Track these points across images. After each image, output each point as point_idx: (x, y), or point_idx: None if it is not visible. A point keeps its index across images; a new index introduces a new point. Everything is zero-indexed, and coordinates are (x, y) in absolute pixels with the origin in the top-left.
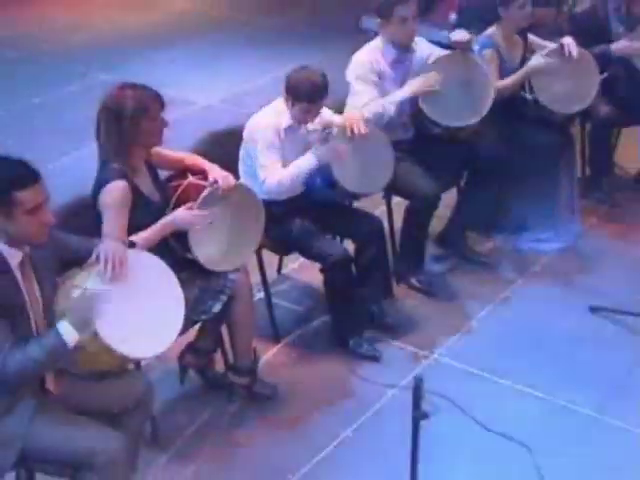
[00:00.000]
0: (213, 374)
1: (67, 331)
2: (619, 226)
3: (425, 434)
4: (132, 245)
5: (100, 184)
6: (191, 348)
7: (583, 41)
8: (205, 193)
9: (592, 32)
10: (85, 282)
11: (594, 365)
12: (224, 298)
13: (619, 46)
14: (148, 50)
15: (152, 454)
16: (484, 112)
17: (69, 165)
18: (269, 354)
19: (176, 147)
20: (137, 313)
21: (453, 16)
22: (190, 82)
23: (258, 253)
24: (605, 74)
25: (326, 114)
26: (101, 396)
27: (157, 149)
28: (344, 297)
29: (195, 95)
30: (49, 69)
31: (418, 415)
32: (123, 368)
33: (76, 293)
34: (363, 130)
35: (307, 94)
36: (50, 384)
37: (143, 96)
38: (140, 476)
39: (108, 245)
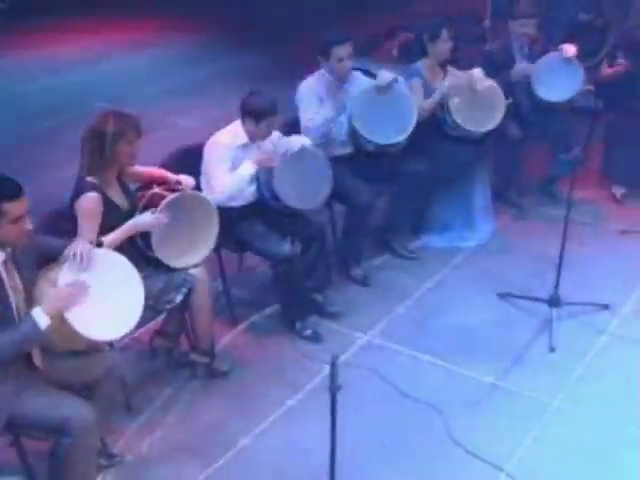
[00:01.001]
0: (179, 354)
1: (40, 317)
2: (524, 225)
3: (354, 400)
4: (100, 245)
5: (76, 194)
6: (160, 332)
7: (494, 72)
8: (166, 200)
9: (501, 65)
10: (57, 274)
11: (498, 341)
12: (185, 290)
13: (516, 69)
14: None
15: (126, 420)
16: (409, 131)
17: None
18: (228, 337)
19: (157, 158)
20: (101, 302)
21: (395, 52)
22: (175, 108)
23: (218, 252)
24: (510, 99)
25: (275, 135)
26: (77, 371)
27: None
28: (290, 288)
29: (177, 118)
30: (55, 98)
31: (334, 387)
32: (95, 347)
33: (49, 285)
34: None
35: (269, 110)
36: (37, 361)
37: (123, 123)
38: (114, 438)
39: (77, 244)
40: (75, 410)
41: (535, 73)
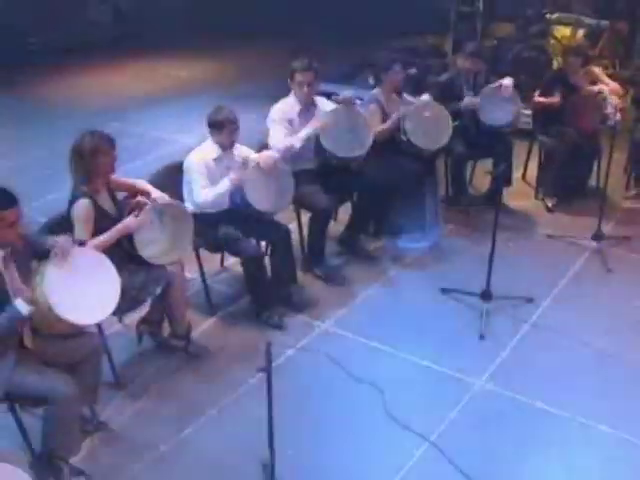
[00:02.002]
0: (161, 338)
1: (21, 306)
2: (470, 230)
3: (307, 380)
4: (83, 244)
5: (71, 202)
6: (145, 319)
7: (444, 100)
8: (147, 207)
9: (450, 94)
10: (45, 268)
11: (436, 330)
12: (163, 284)
13: (465, 102)
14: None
15: (112, 392)
16: (366, 148)
17: None
18: (205, 324)
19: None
20: (81, 292)
21: (371, 80)
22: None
23: (197, 250)
24: (456, 122)
25: (245, 150)
26: (64, 351)
27: (116, 177)
28: (257, 283)
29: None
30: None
31: (269, 368)
32: (79, 332)
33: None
34: (270, 166)
35: (227, 119)
36: (28, 342)
37: (97, 140)
38: (102, 407)
39: (59, 242)
40: (58, 384)
41: (479, 103)
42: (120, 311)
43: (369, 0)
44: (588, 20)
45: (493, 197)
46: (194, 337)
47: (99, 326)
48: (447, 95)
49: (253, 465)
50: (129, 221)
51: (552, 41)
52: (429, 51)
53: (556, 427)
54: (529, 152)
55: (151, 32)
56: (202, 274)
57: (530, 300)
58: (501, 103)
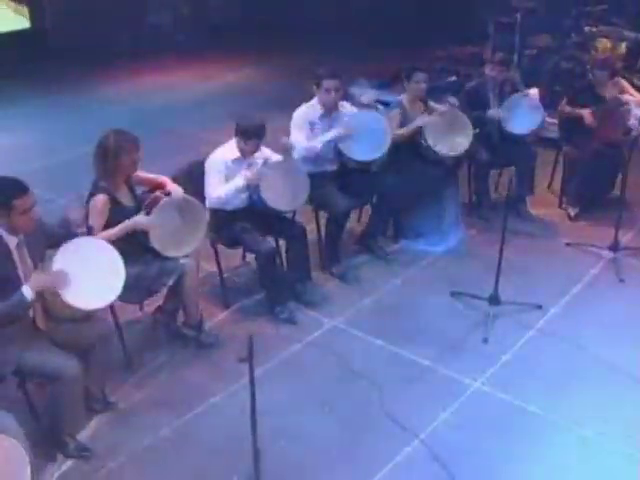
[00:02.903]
0: (175, 327)
1: (27, 292)
2: (489, 237)
3: (310, 373)
4: (91, 232)
5: (90, 195)
6: (161, 308)
7: (470, 107)
8: (161, 203)
9: (476, 102)
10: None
11: (442, 332)
12: (175, 276)
13: (489, 113)
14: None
15: (124, 376)
16: (383, 151)
17: None
18: (220, 316)
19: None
20: (86, 279)
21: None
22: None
23: (214, 246)
24: (477, 130)
25: (267, 152)
26: (74, 334)
27: (137, 172)
28: (270, 278)
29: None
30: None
31: (250, 360)
32: (88, 315)
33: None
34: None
35: (255, 132)
36: (40, 324)
37: (122, 140)
38: (114, 389)
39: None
40: (65, 363)
41: (503, 111)
42: (134, 299)
43: (414, 11)
44: (628, 33)
45: (515, 205)
46: (207, 327)
47: (113, 313)
48: (473, 102)
49: (247, 452)
50: (139, 219)
51: (593, 53)
52: (470, 60)
53: (545, 431)
54: (555, 161)
55: (208, 36)
56: (219, 268)
57: (539, 307)
58: (525, 112)
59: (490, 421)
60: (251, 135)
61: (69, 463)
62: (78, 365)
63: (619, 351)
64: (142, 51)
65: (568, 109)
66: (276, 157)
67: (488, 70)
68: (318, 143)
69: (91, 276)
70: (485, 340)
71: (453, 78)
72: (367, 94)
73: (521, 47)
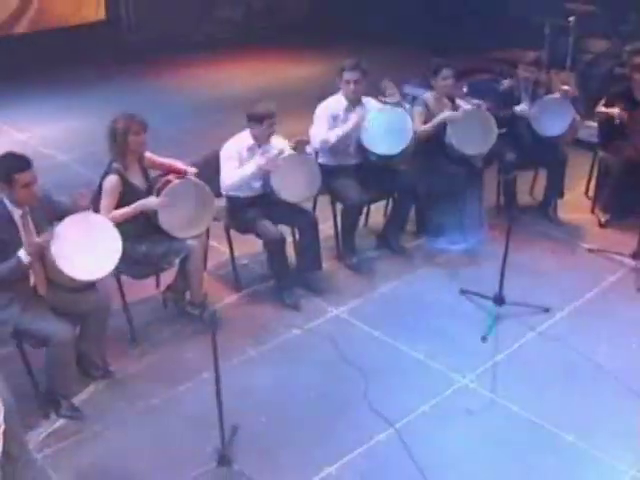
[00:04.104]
0: (183, 305)
1: (23, 255)
2: (513, 239)
3: (303, 358)
4: (95, 210)
5: (103, 176)
6: (170, 287)
7: (500, 107)
8: (170, 186)
9: (507, 102)
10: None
11: (443, 328)
12: (182, 256)
13: (518, 108)
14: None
15: (127, 347)
16: (404, 146)
17: None
18: (229, 299)
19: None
20: (87, 251)
21: (465, 88)
22: None
23: (227, 231)
24: (503, 130)
25: (281, 142)
26: (71, 302)
27: (151, 156)
28: (278, 265)
29: None
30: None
31: (213, 335)
32: (85, 286)
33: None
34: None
35: (267, 113)
36: (41, 290)
37: (129, 121)
38: (115, 359)
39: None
40: (56, 328)
41: (533, 112)
42: (142, 275)
43: (471, 13)
44: None
45: (544, 209)
46: (215, 309)
47: (120, 288)
48: (503, 103)
49: (225, 425)
50: (149, 200)
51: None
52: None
53: (522, 432)
54: (592, 166)
55: (276, 31)
56: (231, 252)
57: (546, 310)
58: (557, 114)
59: (468, 418)
60: (262, 117)
61: (60, 422)
62: (70, 331)
63: (620, 362)
64: (208, 44)
65: (602, 109)
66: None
67: (521, 71)
68: (333, 137)
69: (87, 249)
70: (484, 339)
71: (507, 82)
72: (416, 92)
73: (576, 51)
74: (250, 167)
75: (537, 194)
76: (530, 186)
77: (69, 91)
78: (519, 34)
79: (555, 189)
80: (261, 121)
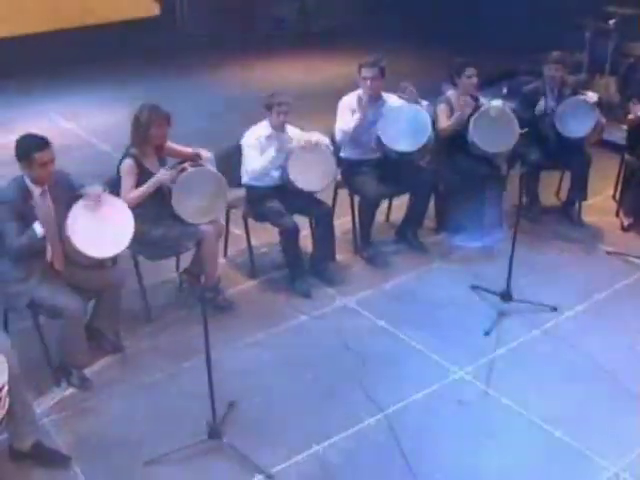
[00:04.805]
0: (197, 288)
1: (37, 228)
2: (532, 239)
3: (307, 344)
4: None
5: (121, 160)
6: (187, 270)
7: (527, 107)
8: (184, 173)
9: (532, 103)
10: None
11: (447, 321)
12: (195, 240)
13: (537, 108)
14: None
15: (141, 325)
16: (422, 143)
17: None
18: (244, 285)
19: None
20: (98, 230)
21: (505, 90)
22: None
23: (245, 219)
24: (525, 129)
25: (295, 132)
26: (86, 279)
27: (169, 144)
28: (291, 253)
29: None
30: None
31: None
32: (101, 264)
33: None
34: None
35: (277, 101)
36: (58, 265)
37: (154, 114)
38: (127, 334)
39: (90, 188)
40: (68, 302)
41: (558, 113)
42: (157, 257)
43: (515, 16)
44: None
45: (567, 210)
46: (229, 293)
47: (137, 269)
48: (528, 103)
49: (223, 401)
50: (162, 174)
51: None
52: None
53: (510, 423)
54: (619, 169)
55: (329, 30)
56: (248, 240)
57: (554, 309)
58: (581, 115)
59: (458, 409)
60: (270, 105)
61: (70, 390)
62: (80, 305)
63: (621, 364)
64: (260, 42)
65: (631, 115)
66: (305, 135)
67: (546, 70)
68: (346, 127)
69: (101, 228)
70: (487, 333)
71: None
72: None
73: (616, 55)
74: (270, 152)
75: (563, 195)
76: (556, 187)
77: (118, 83)
78: (561, 37)
79: (578, 191)
80: (270, 108)
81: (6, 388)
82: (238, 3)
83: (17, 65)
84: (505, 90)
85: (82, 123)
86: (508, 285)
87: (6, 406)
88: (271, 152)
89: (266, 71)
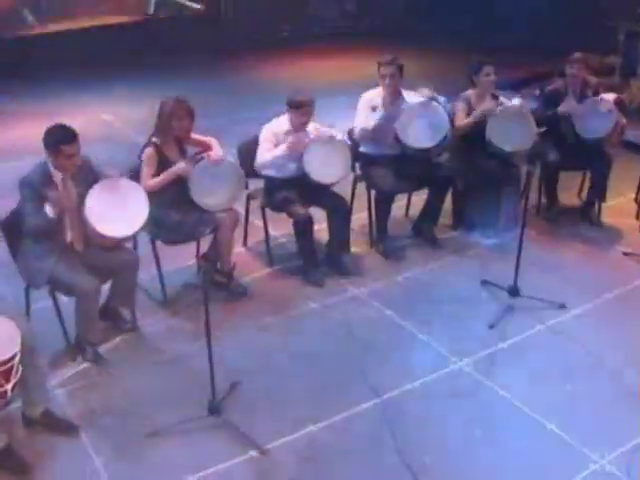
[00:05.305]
0: (202, 266)
1: (48, 209)
2: (548, 239)
3: (315, 330)
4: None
5: (142, 148)
6: (204, 256)
7: (548, 106)
8: (202, 161)
9: (552, 103)
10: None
11: (455, 314)
12: (211, 227)
13: (560, 108)
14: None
15: (156, 307)
16: (438, 141)
17: None
18: (259, 273)
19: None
20: (114, 212)
21: (537, 92)
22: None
23: (263, 210)
24: (543, 128)
25: (317, 127)
26: (103, 259)
27: (191, 134)
28: (305, 244)
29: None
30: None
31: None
32: (117, 246)
33: None
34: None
35: (305, 102)
36: (78, 246)
37: (178, 107)
38: (143, 315)
39: (108, 172)
40: (85, 281)
41: (577, 113)
42: (175, 241)
43: (548, 18)
44: None
45: (586, 211)
46: (245, 280)
47: (155, 253)
48: (549, 102)
49: (226, 381)
50: (179, 167)
51: None
52: (600, 68)
53: (503, 414)
54: None
55: (369, 30)
56: (265, 230)
57: (562, 306)
58: (600, 117)
59: (454, 398)
60: (298, 105)
61: (84, 365)
62: (94, 284)
63: (623, 363)
64: (300, 40)
65: None
66: (322, 130)
67: (568, 70)
68: (367, 124)
69: (117, 210)
70: (491, 326)
71: None
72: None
73: None
74: (281, 148)
75: (585, 196)
76: (578, 188)
77: (158, 77)
78: (594, 39)
79: (597, 192)
80: (299, 107)
81: (18, 357)
82: (280, 2)
83: (67, 59)
84: (538, 92)
85: (121, 116)
86: (515, 280)
87: (18, 374)
88: (282, 148)
89: (303, 69)
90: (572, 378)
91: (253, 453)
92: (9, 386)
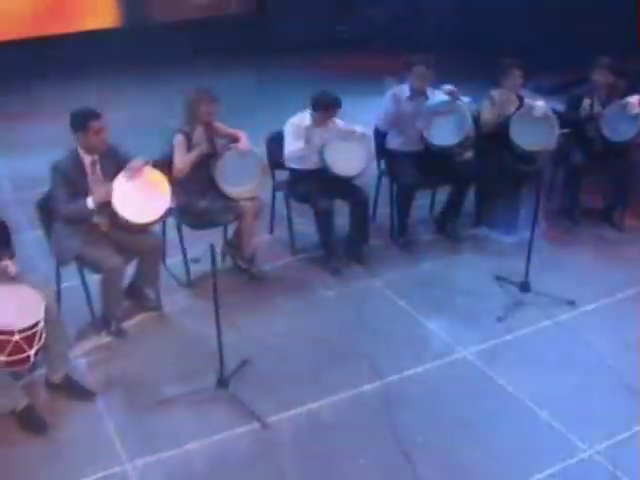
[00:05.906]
0: (235, 259)
1: (90, 201)
2: (569, 240)
3: (325, 314)
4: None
5: (174, 135)
6: (228, 242)
7: (573, 108)
8: (228, 151)
9: (576, 106)
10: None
11: (466, 307)
12: (234, 215)
13: (583, 109)
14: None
15: (180, 290)
16: (460, 139)
17: None
18: (281, 261)
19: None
20: (139, 199)
21: None
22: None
23: (287, 200)
24: (565, 130)
25: (340, 124)
26: (129, 241)
27: (219, 125)
28: (325, 234)
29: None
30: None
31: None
32: (142, 230)
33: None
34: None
35: (330, 104)
36: (104, 228)
37: (202, 95)
38: (166, 296)
39: (133, 161)
40: (107, 258)
41: (603, 116)
42: (200, 227)
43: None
44: None
45: (609, 214)
46: (267, 267)
47: (181, 238)
48: (574, 104)
49: (236, 358)
50: (203, 146)
51: None
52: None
53: (499, 401)
54: None
55: (418, 33)
56: (289, 219)
57: (571, 302)
58: (626, 120)
59: (454, 384)
60: (328, 105)
61: (108, 339)
62: (119, 262)
63: (626, 360)
64: (348, 42)
65: None
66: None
67: (595, 75)
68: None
69: (142, 196)
70: (499, 319)
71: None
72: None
73: None
74: (298, 144)
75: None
76: (602, 190)
77: (203, 76)
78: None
79: (621, 195)
80: (326, 109)
81: (42, 324)
82: (328, 2)
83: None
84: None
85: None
86: (526, 276)
87: (42, 341)
88: (300, 144)
89: (345, 69)
90: (571, 371)
91: (255, 425)
92: (32, 351)
